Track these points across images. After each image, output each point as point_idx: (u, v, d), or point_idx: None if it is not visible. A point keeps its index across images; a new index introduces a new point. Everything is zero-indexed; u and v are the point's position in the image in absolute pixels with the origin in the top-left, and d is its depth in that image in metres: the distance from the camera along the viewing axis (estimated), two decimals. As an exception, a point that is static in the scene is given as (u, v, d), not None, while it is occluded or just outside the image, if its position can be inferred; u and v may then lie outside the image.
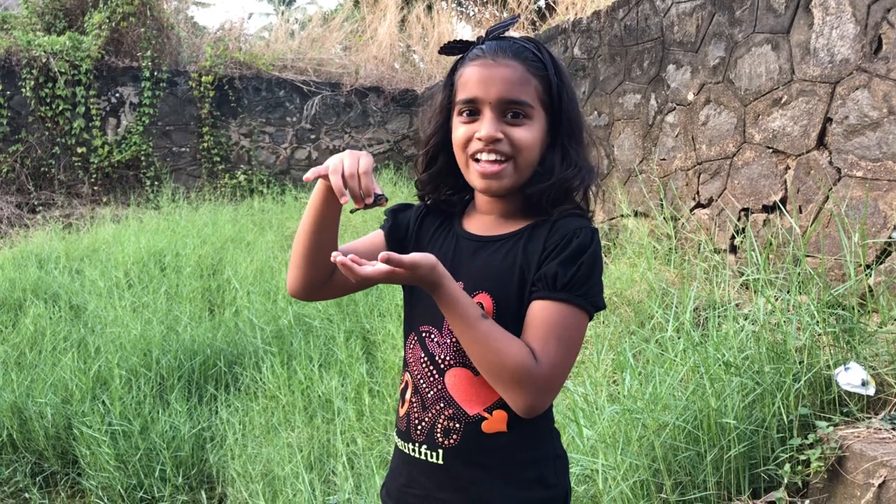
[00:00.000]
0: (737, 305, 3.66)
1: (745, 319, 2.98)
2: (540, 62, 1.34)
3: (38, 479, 4.70)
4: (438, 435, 1.35)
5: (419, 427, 1.37)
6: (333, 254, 1.18)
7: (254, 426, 4.62)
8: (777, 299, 3.18)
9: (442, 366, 1.36)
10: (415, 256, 1.22)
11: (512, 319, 1.30)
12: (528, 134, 1.32)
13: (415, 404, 1.40)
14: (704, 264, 4.07)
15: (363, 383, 4.67)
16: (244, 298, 6.16)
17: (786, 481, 2.40)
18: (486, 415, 1.31)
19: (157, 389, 5.04)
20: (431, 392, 1.37)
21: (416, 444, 1.37)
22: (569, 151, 1.35)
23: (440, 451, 1.35)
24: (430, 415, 1.37)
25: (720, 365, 2.58)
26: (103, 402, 4.83)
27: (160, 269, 7.00)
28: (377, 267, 1.17)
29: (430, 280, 1.23)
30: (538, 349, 1.22)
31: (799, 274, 3.04)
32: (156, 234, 7.92)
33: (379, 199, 1.27)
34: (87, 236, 8.40)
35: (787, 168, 3.86)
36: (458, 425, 1.33)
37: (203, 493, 4.26)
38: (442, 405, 1.35)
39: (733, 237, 4.23)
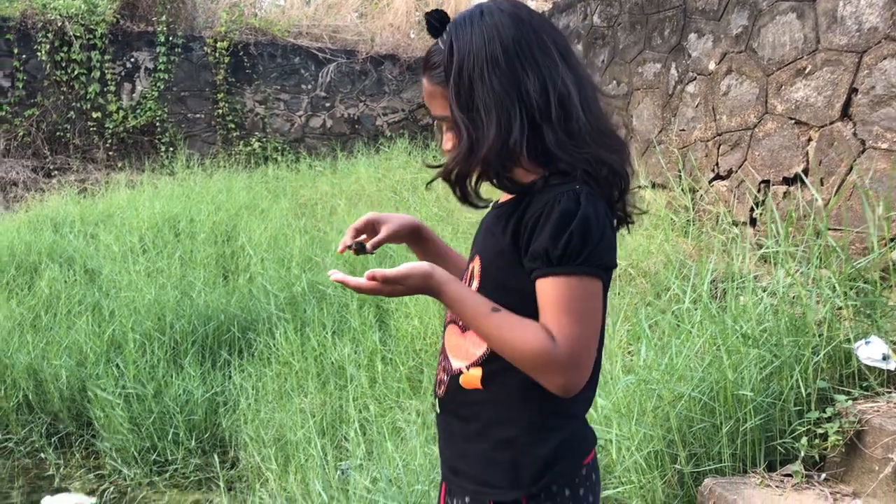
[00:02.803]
0: (755, 278, 3.62)
1: (764, 292, 2.94)
2: (439, 65, 1.32)
3: (53, 439, 4.75)
4: (437, 386, 1.42)
5: (434, 379, 1.45)
6: (329, 272, 1.30)
7: (267, 391, 4.63)
8: (797, 272, 3.14)
9: (445, 321, 1.43)
10: (402, 269, 1.28)
11: (493, 285, 1.32)
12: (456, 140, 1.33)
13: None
14: (722, 236, 4.02)
15: (376, 351, 4.67)
16: (258, 265, 6.16)
17: (802, 454, 2.38)
18: (465, 370, 1.34)
19: (171, 354, 5.07)
20: (441, 346, 1.45)
21: (432, 396, 1.44)
22: (460, 126, 1.30)
23: (437, 402, 1.41)
24: (437, 367, 1.44)
25: (738, 337, 2.54)
26: (117, 365, 4.86)
27: (174, 235, 7.00)
28: (363, 281, 1.28)
29: (428, 288, 1.27)
30: (553, 328, 1.19)
31: (820, 247, 2.99)
32: (170, 199, 7.92)
33: (358, 249, 1.51)
34: (102, 201, 8.41)
35: (810, 139, 3.79)
36: (446, 378, 1.39)
37: (216, 456, 4.29)
38: (441, 358, 1.43)
39: (752, 209, 4.18)
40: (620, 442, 2.51)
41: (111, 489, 4.27)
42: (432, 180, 1.44)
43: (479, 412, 1.32)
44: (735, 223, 4.22)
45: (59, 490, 4.31)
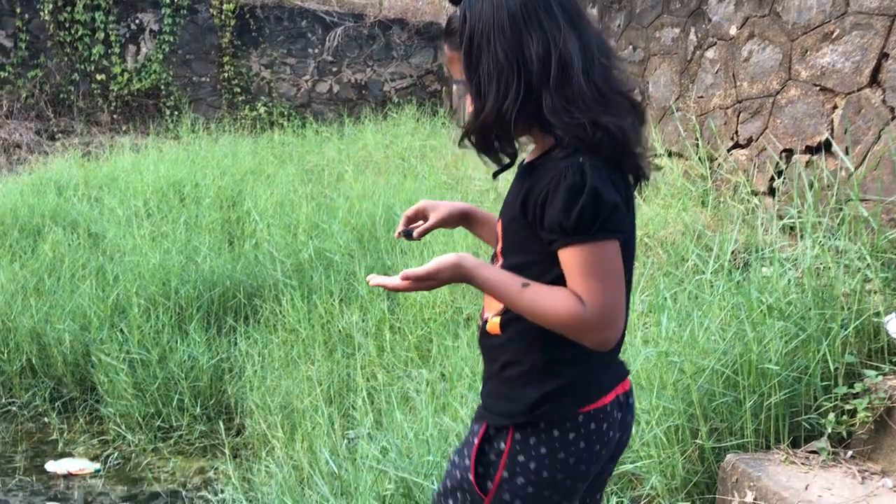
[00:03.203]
0: (780, 249, 3.52)
1: (789, 263, 2.84)
2: (456, 32, 1.38)
3: (56, 404, 4.69)
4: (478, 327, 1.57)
5: None
6: (368, 277, 1.46)
7: (273, 359, 4.57)
8: (823, 243, 3.04)
9: None
10: (432, 265, 1.38)
11: (512, 247, 1.44)
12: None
13: None
14: (741, 206, 3.91)
15: (384, 319, 4.59)
16: (264, 231, 6.07)
17: (830, 431, 2.30)
18: (490, 319, 1.48)
19: (176, 319, 5.00)
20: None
21: None
22: (471, 91, 1.38)
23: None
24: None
25: (764, 309, 2.45)
26: (121, 330, 4.80)
27: (179, 200, 6.91)
28: (399, 282, 1.42)
29: (460, 276, 1.40)
30: (582, 293, 1.27)
31: (848, 217, 2.89)
32: (175, 164, 7.81)
33: (406, 235, 1.73)
34: (107, 164, 8.31)
35: (835, 107, 3.67)
36: (480, 324, 1.54)
37: (221, 423, 4.24)
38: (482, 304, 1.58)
39: (773, 179, 4.06)
40: (639, 415, 2.43)
41: (115, 455, 4.22)
42: (459, 142, 1.48)
43: (498, 354, 1.46)
44: (754, 193, 4.11)
45: (62, 455, 4.26)
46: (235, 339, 4.90)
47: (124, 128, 9.79)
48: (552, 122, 1.32)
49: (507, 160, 1.46)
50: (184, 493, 3.80)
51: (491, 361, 1.48)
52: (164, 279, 5.23)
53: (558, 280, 1.35)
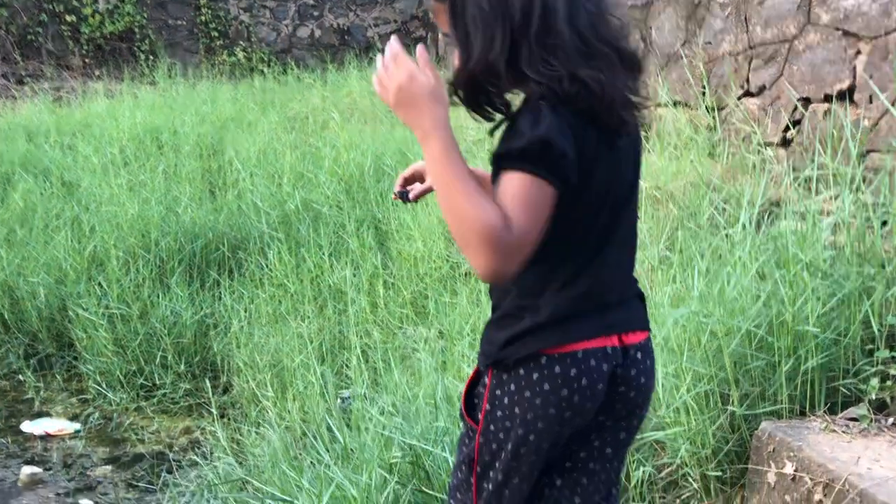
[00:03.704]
0: (804, 202, 3.36)
1: (815, 217, 2.67)
2: None
3: (31, 361, 4.48)
4: None
5: None
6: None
7: (260, 314, 4.37)
8: (853, 196, 2.87)
9: None
10: (415, 69, 1.33)
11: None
12: None
13: None
14: (755, 157, 3.73)
15: (377, 275, 4.40)
16: (247, 181, 5.82)
17: (873, 396, 2.15)
18: None
19: (157, 273, 4.78)
20: None
21: None
22: (457, 43, 1.36)
23: None
24: None
25: (802, 266, 2.29)
26: (100, 283, 4.57)
27: (157, 147, 6.62)
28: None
29: (427, 108, 1.31)
30: (512, 215, 1.25)
31: (885, 168, 2.72)
32: (152, 110, 7.49)
33: (401, 196, 1.74)
34: (79, 110, 7.96)
35: (858, 52, 3.48)
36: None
37: (207, 381, 4.05)
38: None
39: (787, 129, 3.89)
40: (667, 379, 2.27)
41: (95, 414, 4.03)
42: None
43: (494, 299, 1.51)
44: (767, 144, 3.93)
45: (39, 414, 4.06)
46: (220, 293, 4.69)
47: (97, 73, 9.39)
48: (528, 73, 1.29)
49: (498, 115, 1.41)
50: (170, 455, 3.62)
51: (493, 308, 1.53)
52: (143, 230, 4.99)
53: (548, 240, 1.33)
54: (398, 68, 1.33)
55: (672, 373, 2.26)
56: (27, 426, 3.91)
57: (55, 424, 3.92)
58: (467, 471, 1.51)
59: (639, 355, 1.48)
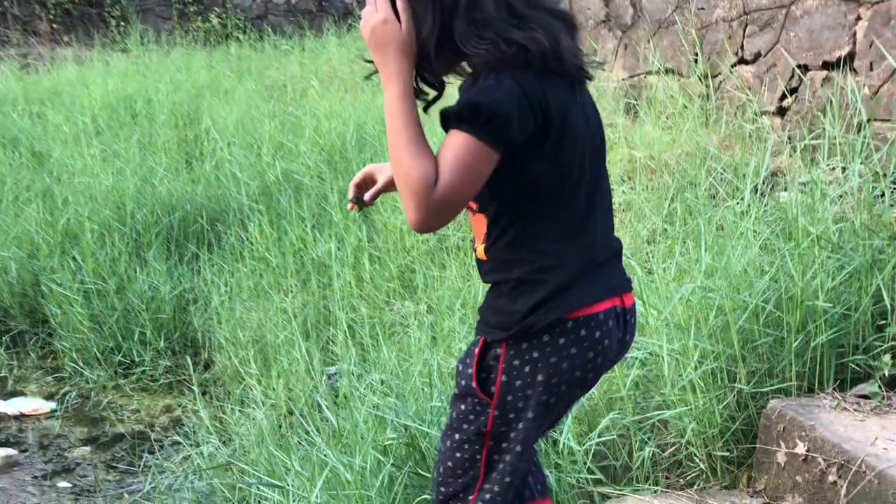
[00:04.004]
0: (781, 174, 3.28)
1: (818, 188, 2.59)
2: None
3: (4, 338, 4.32)
4: None
5: None
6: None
7: (241, 289, 4.24)
8: (842, 167, 2.80)
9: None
10: (388, 15, 1.36)
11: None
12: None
13: None
14: (751, 126, 3.65)
15: (362, 248, 4.27)
16: (225, 151, 5.65)
17: (885, 373, 2.09)
18: (478, 247, 1.51)
19: (133, 246, 4.63)
20: None
21: None
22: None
23: None
24: None
25: (812, 239, 2.20)
26: (74, 257, 4.41)
27: (131, 116, 6.42)
28: None
29: (393, 52, 1.36)
30: (442, 173, 1.30)
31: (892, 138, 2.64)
32: (124, 78, 7.26)
33: (357, 202, 1.73)
34: (48, 77, 7.71)
35: (859, 18, 3.39)
36: (472, 250, 1.63)
37: (187, 358, 3.92)
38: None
39: (783, 97, 3.80)
40: (673, 356, 2.19)
41: (72, 393, 3.89)
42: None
43: (489, 276, 1.49)
44: (762, 112, 3.84)
45: (13, 394, 3.92)
46: (199, 267, 4.55)
47: (66, 38, 9.09)
48: (464, 50, 1.34)
49: (433, 93, 1.48)
50: (152, 434, 3.50)
51: (487, 282, 1.52)
52: (118, 202, 4.83)
53: (554, 198, 1.40)
54: (377, 10, 1.36)
55: (678, 350, 2.18)
56: (0, 406, 3.77)
57: (30, 404, 3.79)
58: (474, 446, 1.49)
59: (631, 319, 1.54)
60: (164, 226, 4.78)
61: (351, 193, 1.74)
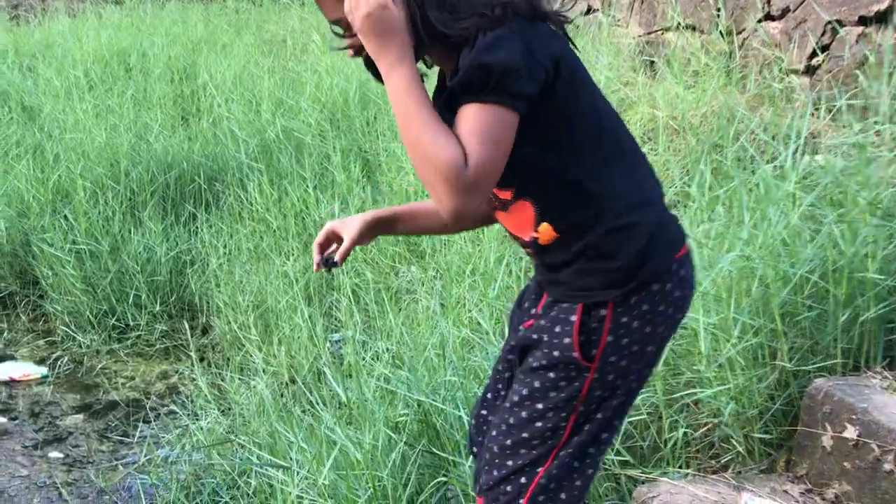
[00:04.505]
0: (813, 136, 3.09)
1: (854, 151, 2.41)
2: None
3: (-7, 300, 4.17)
4: (534, 264, 1.51)
5: None
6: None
7: (240, 251, 4.07)
8: (879, 131, 2.61)
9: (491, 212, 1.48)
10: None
11: None
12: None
13: None
14: (780, 86, 3.45)
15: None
16: (223, 107, 5.44)
17: (942, 352, 1.93)
18: (535, 234, 1.38)
19: (128, 206, 4.45)
20: (507, 235, 1.62)
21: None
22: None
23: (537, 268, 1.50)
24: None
25: (865, 205, 2.03)
26: (65, 217, 4.23)
27: (125, 71, 6.19)
28: None
29: (395, 42, 1.24)
30: (467, 150, 1.20)
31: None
32: (118, 30, 7.01)
33: (326, 263, 1.61)
34: (39, 30, 7.46)
35: (900, -29, 3.18)
36: (532, 250, 1.43)
37: (185, 322, 3.77)
38: (516, 244, 1.54)
39: (814, 55, 3.59)
40: (710, 331, 2.03)
41: (65, 358, 3.74)
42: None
43: (566, 251, 1.37)
44: (791, 71, 3.64)
45: (3, 358, 3.77)
46: (196, 228, 4.38)
47: (57, -10, 8.79)
48: (448, 34, 1.25)
49: None
50: (147, 402, 3.35)
51: (564, 262, 1.38)
52: (111, 160, 4.64)
53: (578, 164, 1.32)
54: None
55: (716, 325, 2.02)
56: (-10, 370, 3.62)
57: (21, 369, 3.64)
58: (560, 413, 1.38)
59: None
60: (160, 184, 4.59)
61: (316, 255, 1.64)
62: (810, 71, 3.65)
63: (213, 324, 3.90)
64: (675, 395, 2.11)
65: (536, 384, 1.39)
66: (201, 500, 2.61)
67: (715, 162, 2.96)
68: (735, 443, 2.01)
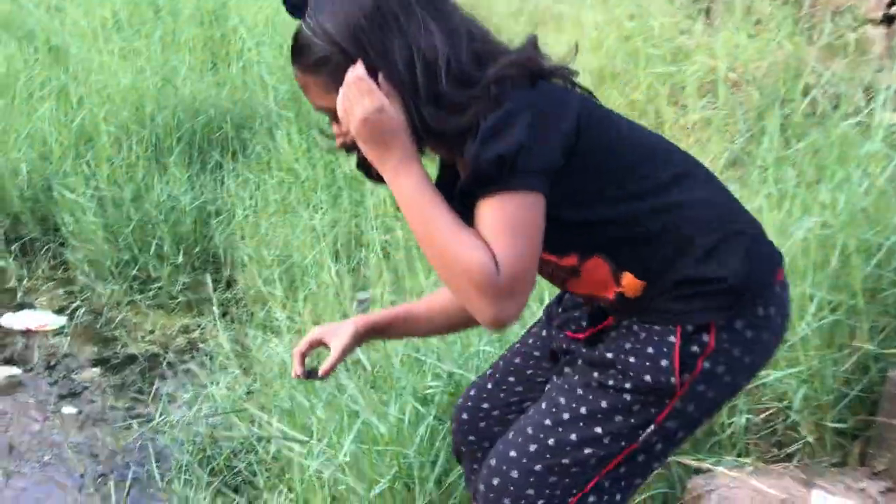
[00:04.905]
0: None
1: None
2: (310, 52, 1.17)
3: (13, 246, 4.03)
4: (592, 324, 1.33)
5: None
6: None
7: (267, 203, 3.89)
8: None
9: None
10: (387, 104, 1.13)
11: None
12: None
13: None
14: (855, 35, 3.16)
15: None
16: (253, 51, 5.22)
17: None
18: (620, 287, 1.22)
19: (153, 152, 4.29)
20: (562, 309, 1.41)
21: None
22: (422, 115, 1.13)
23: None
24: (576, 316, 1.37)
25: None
26: (88, 162, 4.07)
27: (154, 12, 5.98)
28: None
29: (396, 146, 1.13)
30: (494, 250, 1.08)
31: None
32: (148, -31, 6.78)
33: (309, 375, 1.48)
34: (69, -31, 7.25)
35: None
36: (616, 306, 1.26)
37: (208, 276, 3.60)
38: (585, 308, 1.35)
39: (892, 3, 3.28)
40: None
41: (83, 309, 3.60)
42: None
43: (658, 287, 1.20)
44: (868, 20, 3.33)
45: (22, 306, 3.65)
46: (222, 177, 4.21)
47: (89, -71, 8.57)
48: (443, 131, 1.13)
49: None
50: (166, 358, 3.21)
51: (652, 297, 1.22)
52: (137, 104, 4.46)
53: (648, 198, 1.20)
54: (364, 96, 1.11)
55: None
56: (7, 319, 3.51)
57: (38, 318, 3.51)
58: (619, 442, 1.21)
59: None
60: (186, 131, 4.42)
61: (296, 366, 1.48)
62: (889, 20, 3.34)
63: (237, 278, 3.75)
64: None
65: (604, 404, 1.21)
66: (216, 466, 2.47)
67: (782, 117, 2.69)
68: (804, 431, 1.80)
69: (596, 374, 1.23)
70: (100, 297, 3.68)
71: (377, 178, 1.22)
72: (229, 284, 3.79)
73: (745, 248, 1.20)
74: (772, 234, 1.88)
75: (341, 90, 1.14)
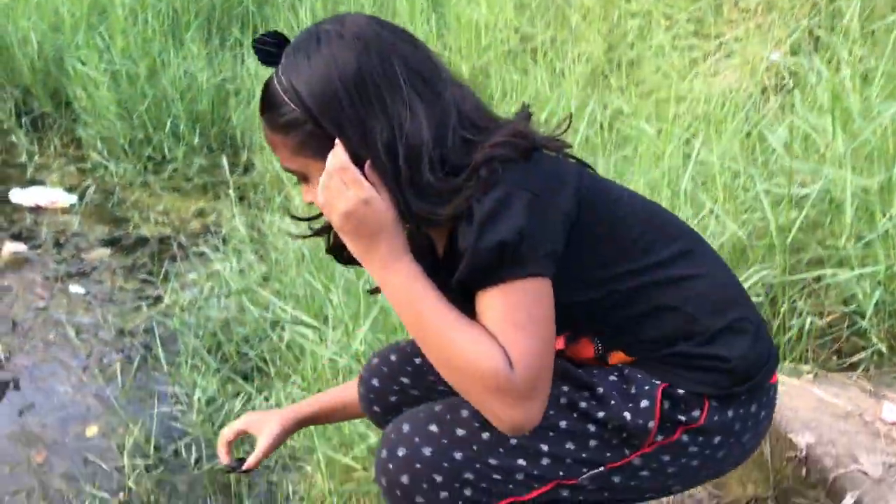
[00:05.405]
0: None
1: None
2: (279, 112, 1.02)
3: (24, 120, 3.86)
4: None
5: None
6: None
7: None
8: None
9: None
10: (373, 193, 0.99)
11: None
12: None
13: None
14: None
15: (429, 43, 3.61)
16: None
17: None
18: (606, 364, 1.13)
19: (170, 26, 4.06)
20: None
21: None
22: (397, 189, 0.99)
23: None
24: None
25: None
26: (101, 35, 3.84)
27: None
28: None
29: (384, 238, 1.01)
30: (505, 345, 0.96)
31: None
32: None
33: (235, 467, 1.39)
34: None
35: None
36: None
37: (224, 158, 3.42)
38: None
39: None
40: (860, 199, 1.58)
41: (94, 187, 3.45)
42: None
43: (652, 358, 1.11)
44: None
45: (32, 182, 3.50)
46: (242, 54, 3.98)
47: None
48: (433, 220, 1.01)
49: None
50: (179, 241, 3.06)
51: (646, 360, 1.11)
52: (154, -28, 4.19)
53: (644, 274, 1.08)
54: (349, 187, 0.98)
55: (868, 190, 1.57)
56: (17, 195, 3.36)
57: (49, 195, 3.37)
58: (557, 471, 1.08)
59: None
60: (205, 4, 4.18)
61: (223, 456, 1.39)
62: None
63: (255, 161, 3.56)
64: (796, 277, 1.69)
65: (563, 424, 1.07)
66: (226, 352, 2.34)
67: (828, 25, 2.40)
68: (874, 339, 1.60)
69: (566, 389, 1.09)
70: (112, 176, 3.53)
71: (348, 262, 1.13)
72: (247, 168, 3.61)
73: (751, 339, 1.10)
74: (859, 116, 1.65)
75: (322, 179, 0.99)
